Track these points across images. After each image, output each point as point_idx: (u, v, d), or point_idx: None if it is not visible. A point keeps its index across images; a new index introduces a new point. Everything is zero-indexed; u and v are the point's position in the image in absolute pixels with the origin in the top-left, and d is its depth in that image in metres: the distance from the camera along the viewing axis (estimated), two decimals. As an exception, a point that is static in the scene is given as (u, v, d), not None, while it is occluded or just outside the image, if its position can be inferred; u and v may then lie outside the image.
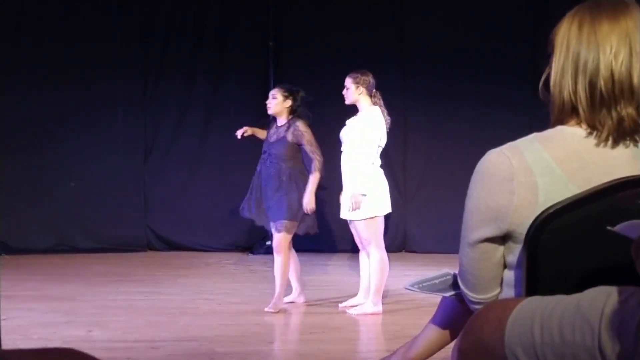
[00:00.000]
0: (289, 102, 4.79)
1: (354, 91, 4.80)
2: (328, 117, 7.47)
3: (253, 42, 7.51)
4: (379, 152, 4.80)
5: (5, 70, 6.90)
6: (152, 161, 7.45)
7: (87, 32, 7.16)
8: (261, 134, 5.03)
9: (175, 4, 7.46)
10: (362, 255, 4.85)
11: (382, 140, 4.78)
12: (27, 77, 7.02)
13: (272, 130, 4.83)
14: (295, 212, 4.60)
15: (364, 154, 4.68)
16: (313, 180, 4.64)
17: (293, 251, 4.79)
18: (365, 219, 4.67)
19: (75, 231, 7.17)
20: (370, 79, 4.82)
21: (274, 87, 7.32)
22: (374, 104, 4.81)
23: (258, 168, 4.84)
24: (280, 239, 4.66)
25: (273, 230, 4.71)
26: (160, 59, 7.42)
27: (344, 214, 4.78)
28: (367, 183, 4.68)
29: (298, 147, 4.72)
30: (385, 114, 4.83)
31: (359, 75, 4.82)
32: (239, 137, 4.99)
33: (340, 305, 4.80)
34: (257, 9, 7.53)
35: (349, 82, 4.83)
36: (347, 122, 4.88)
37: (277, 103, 4.79)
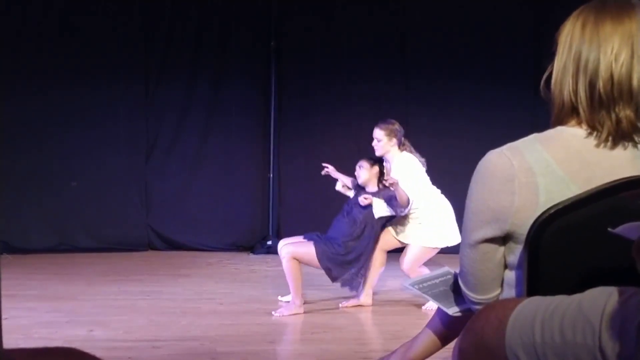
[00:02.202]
0: (376, 169, 4.78)
1: (386, 143, 4.71)
2: (329, 117, 7.51)
3: (255, 43, 7.50)
4: (428, 184, 4.84)
5: (8, 71, 6.90)
6: (153, 161, 7.46)
7: (89, 32, 7.16)
8: (346, 182, 5.02)
9: (177, 4, 7.46)
10: None
11: (423, 179, 4.79)
12: (29, 78, 7.02)
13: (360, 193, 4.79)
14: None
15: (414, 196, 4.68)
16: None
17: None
18: (424, 247, 4.73)
19: (77, 231, 7.17)
20: (399, 127, 4.76)
21: (276, 89, 7.38)
22: (403, 151, 4.77)
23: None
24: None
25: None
26: (162, 60, 7.42)
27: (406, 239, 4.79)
28: (425, 210, 4.73)
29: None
30: (418, 156, 4.80)
31: (389, 126, 4.72)
32: (323, 173, 4.98)
33: (340, 305, 4.80)
34: (259, 9, 7.53)
35: (380, 134, 4.71)
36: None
37: (365, 170, 4.80)
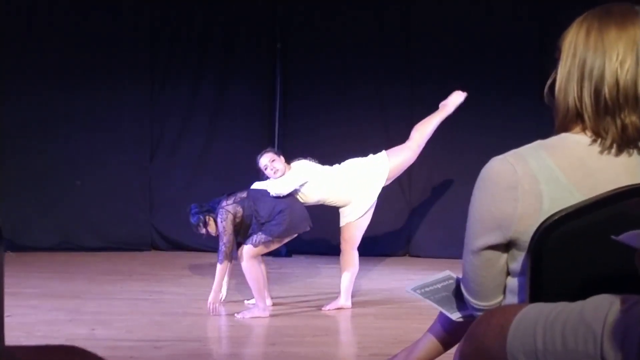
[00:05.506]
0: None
1: (279, 159, 4.84)
2: (334, 119, 7.50)
3: (260, 44, 7.51)
4: (328, 169, 4.92)
5: (14, 71, 6.94)
6: (157, 161, 7.47)
7: (95, 33, 7.18)
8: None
9: (182, 6, 7.47)
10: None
11: (321, 172, 4.88)
12: (35, 78, 7.05)
13: None
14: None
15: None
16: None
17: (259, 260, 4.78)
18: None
19: (80, 229, 7.19)
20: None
21: (280, 91, 7.38)
22: (288, 164, 4.92)
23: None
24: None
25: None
26: (167, 60, 7.44)
27: (358, 214, 4.89)
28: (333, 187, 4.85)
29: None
30: (299, 159, 4.92)
31: (270, 149, 5.04)
32: None
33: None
34: (264, 10, 7.53)
35: (272, 155, 4.86)
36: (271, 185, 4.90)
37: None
